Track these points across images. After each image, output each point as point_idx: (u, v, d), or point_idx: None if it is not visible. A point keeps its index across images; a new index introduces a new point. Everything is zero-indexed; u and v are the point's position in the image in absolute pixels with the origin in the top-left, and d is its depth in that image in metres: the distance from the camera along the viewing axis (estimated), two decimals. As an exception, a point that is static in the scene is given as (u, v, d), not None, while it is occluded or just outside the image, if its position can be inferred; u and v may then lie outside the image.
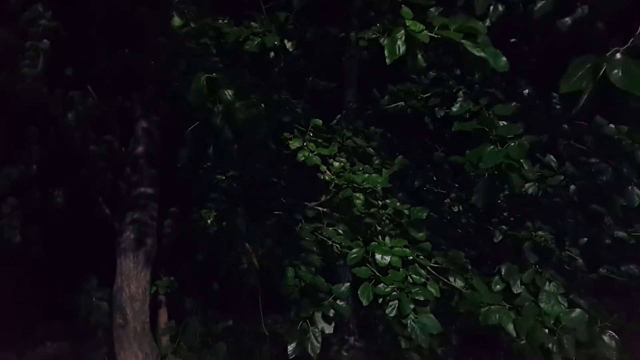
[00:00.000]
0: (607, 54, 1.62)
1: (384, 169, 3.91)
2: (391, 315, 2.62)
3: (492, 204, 3.93)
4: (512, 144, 2.54)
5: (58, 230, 5.00)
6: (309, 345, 2.65)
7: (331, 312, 2.75)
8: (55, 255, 5.08)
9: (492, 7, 2.61)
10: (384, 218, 3.48)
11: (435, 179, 4.30)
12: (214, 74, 2.96)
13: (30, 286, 5.18)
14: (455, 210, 4.27)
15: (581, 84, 1.68)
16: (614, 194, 3.00)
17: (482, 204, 2.87)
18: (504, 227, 3.95)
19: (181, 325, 4.93)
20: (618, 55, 1.61)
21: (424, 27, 2.17)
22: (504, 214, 4.05)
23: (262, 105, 3.35)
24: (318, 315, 2.73)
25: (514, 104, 2.80)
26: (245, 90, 3.26)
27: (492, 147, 2.60)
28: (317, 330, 2.70)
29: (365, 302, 2.68)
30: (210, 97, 3.00)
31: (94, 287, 4.92)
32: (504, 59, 2.07)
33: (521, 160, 2.53)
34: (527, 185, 3.18)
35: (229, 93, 2.98)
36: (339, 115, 4.76)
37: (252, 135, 3.53)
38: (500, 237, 3.88)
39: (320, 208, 3.86)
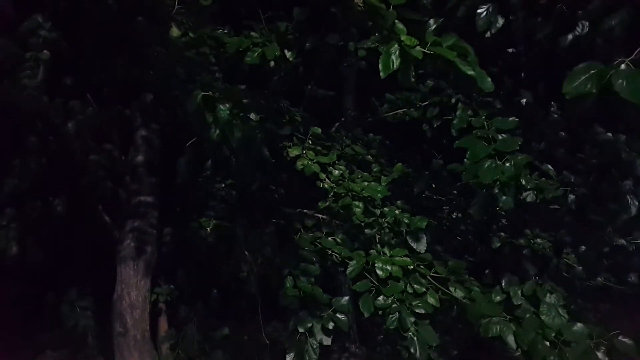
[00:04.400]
0: (614, 63, 1.65)
1: (382, 177, 3.92)
2: (391, 327, 2.63)
3: (491, 212, 3.93)
4: (508, 164, 2.54)
5: (58, 239, 5.01)
6: (307, 357, 2.66)
7: (330, 325, 2.77)
8: (55, 263, 5.08)
9: (492, 20, 2.65)
10: (383, 226, 3.48)
11: (434, 186, 4.30)
12: (209, 92, 2.96)
13: (30, 295, 5.18)
14: (454, 218, 4.27)
15: (585, 87, 1.70)
16: (612, 203, 3.01)
17: (479, 217, 2.86)
18: (502, 234, 3.96)
19: (181, 333, 4.93)
20: (623, 66, 1.64)
21: (418, 43, 2.19)
22: (503, 222, 4.06)
23: (260, 117, 3.34)
24: (317, 327, 2.75)
25: (512, 118, 2.79)
26: (241, 105, 3.25)
27: (490, 161, 2.60)
28: (315, 342, 2.71)
29: (366, 314, 2.69)
30: (207, 113, 3.00)
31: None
32: (489, 80, 2.09)
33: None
34: (525, 193, 3.19)
35: (225, 111, 2.98)
36: (337, 123, 4.78)
37: (247, 149, 3.53)
38: (499, 244, 3.88)
39: (319, 215, 3.86)
